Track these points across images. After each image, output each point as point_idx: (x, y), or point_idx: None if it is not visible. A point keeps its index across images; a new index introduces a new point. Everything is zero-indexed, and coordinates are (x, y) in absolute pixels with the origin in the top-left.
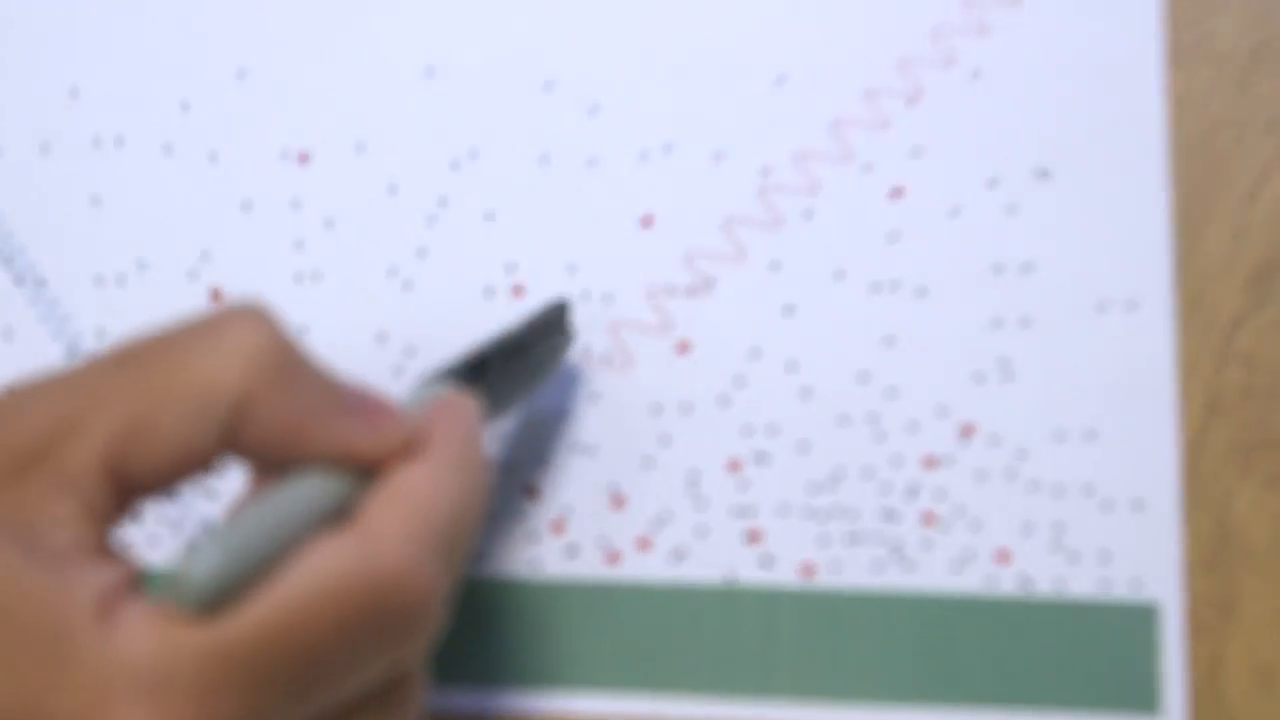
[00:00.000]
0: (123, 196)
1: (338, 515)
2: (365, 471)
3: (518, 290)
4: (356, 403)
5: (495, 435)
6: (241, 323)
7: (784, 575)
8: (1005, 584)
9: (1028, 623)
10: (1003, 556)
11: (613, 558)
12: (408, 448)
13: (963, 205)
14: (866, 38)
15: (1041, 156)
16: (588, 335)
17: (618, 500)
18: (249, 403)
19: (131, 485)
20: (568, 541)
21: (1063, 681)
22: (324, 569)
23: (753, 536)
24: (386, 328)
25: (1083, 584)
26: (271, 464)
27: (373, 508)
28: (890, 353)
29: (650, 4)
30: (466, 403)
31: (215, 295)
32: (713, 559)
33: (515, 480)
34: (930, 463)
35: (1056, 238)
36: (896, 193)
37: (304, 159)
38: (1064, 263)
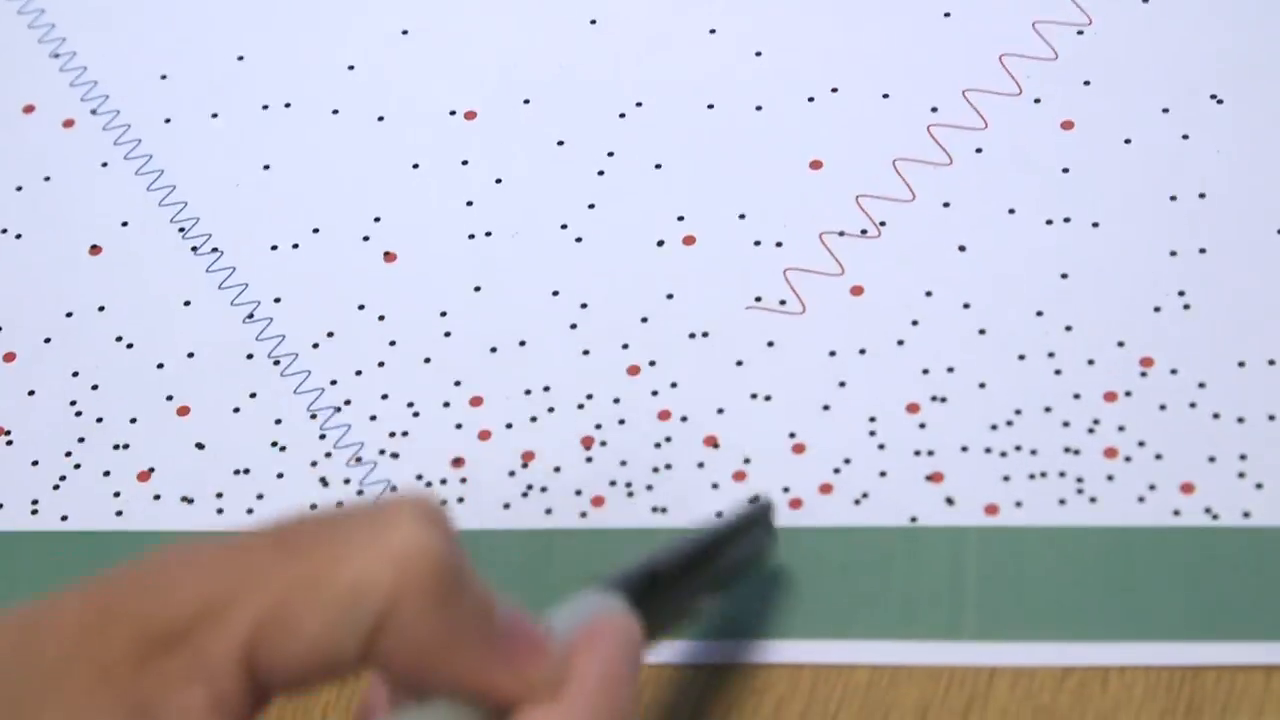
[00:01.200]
0: (293, 161)
1: None
2: (500, 713)
3: (689, 240)
4: (507, 635)
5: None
6: (406, 521)
7: (967, 515)
8: (1190, 515)
9: (1216, 553)
10: (1187, 488)
11: (794, 503)
12: (549, 690)
13: (1135, 135)
14: None
15: (1214, 82)
16: (761, 282)
17: (797, 446)
18: (395, 613)
19: (266, 677)
20: (750, 489)
21: (1253, 611)
22: None
23: (934, 477)
24: (560, 282)
25: (1269, 513)
26: (403, 680)
27: None
28: (1065, 287)
29: None
30: (623, 630)
31: (389, 258)
32: (895, 501)
33: (696, 431)
34: (1110, 396)
35: (1232, 164)
36: (1067, 124)
37: (470, 116)
38: (1240, 189)
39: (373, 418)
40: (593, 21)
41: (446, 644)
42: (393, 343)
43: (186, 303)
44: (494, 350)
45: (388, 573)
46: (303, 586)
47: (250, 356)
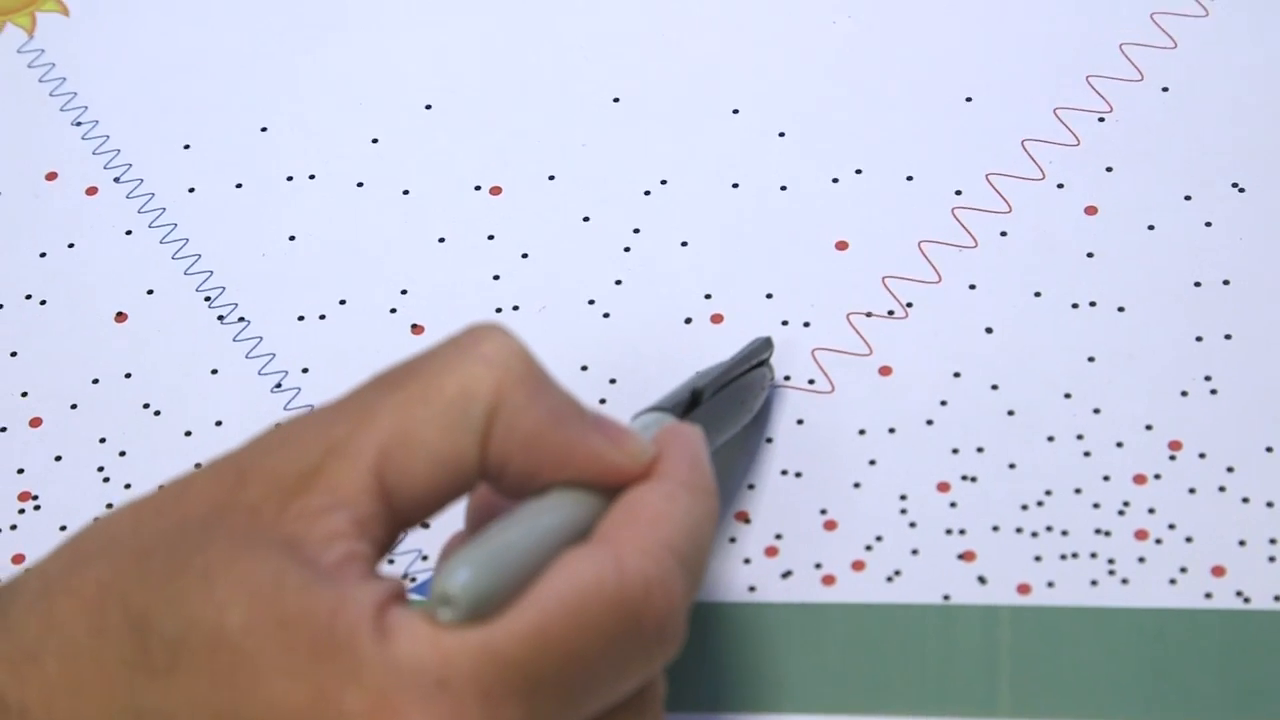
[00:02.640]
0: (318, 233)
1: (582, 537)
2: (609, 493)
3: (717, 318)
4: (600, 419)
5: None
6: (489, 336)
7: (1000, 594)
8: (1222, 598)
9: (1248, 636)
10: (1218, 571)
11: (828, 580)
12: (648, 469)
13: (1158, 221)
14: (1053, 56)
15: (1235, 170)
16: (790, 361)
17: (829, 523)
18: (502, 407)
19: (398, 502)
20: (782, 565)
21: None
22: (578, 578)
23: (966, 556)
24: (588, 357)
25: None
26: (519, 482)
27: (610, 524)
28: (1093, 370)
29: (834, 30)
30: (691, 430)
31: (416, 330)
32: (927, 579)
33: (727, 506)
34: (1139, 479)
35: (1255, 251)
36: (1090, 210)
37: (495, 191)
38: (1264, 276)
39: None
40: (615, 100)
41: (552, 427)
42: None
43: (214, 371)
44: None
45: (487, 373)
46: (415, 405)
47: None
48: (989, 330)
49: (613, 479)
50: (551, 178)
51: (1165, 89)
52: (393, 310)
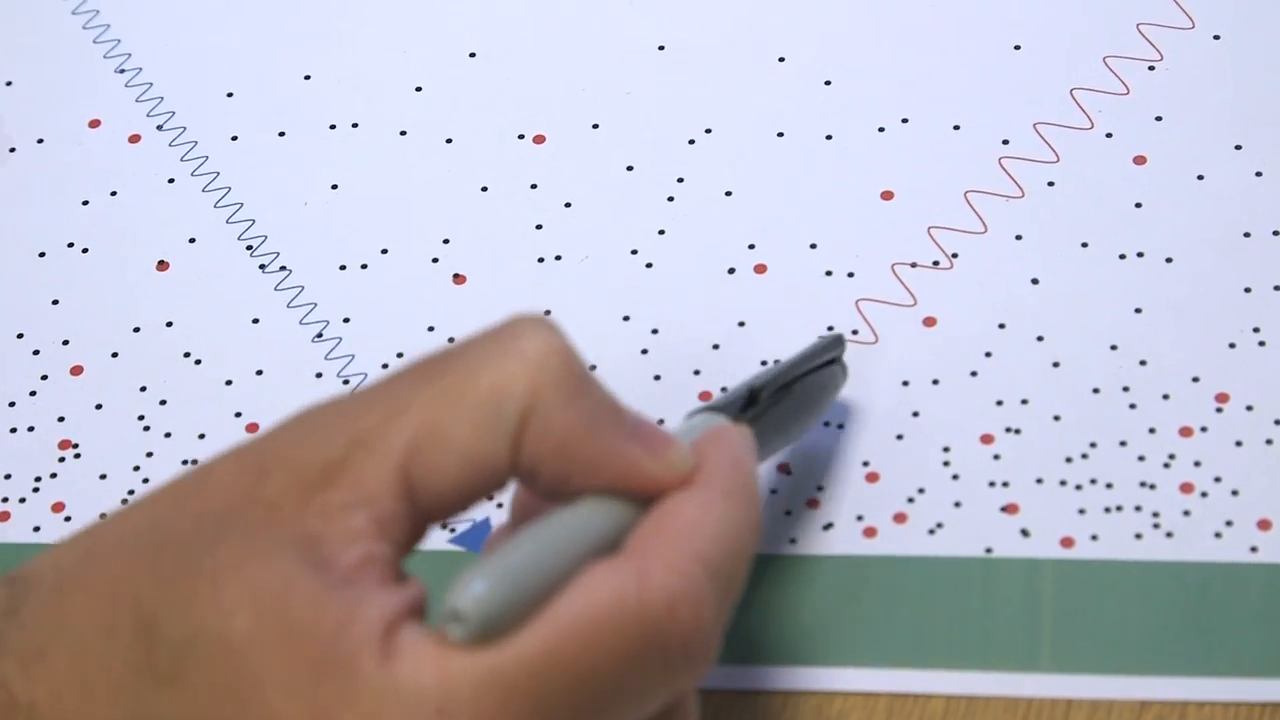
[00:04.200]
0: (361, 182)
1: (612, 548)
2: (644, 503)
3: (760, 269)
4: (639, 425)
5: None
6: (529, 330)
7: (1043, 547)
8: (1268, 552)
9: None
10: (1264, 525)
11: (869, 532)
12: (687, 479)
13: (1208, 171)
14: (1103, 3)
15: None
16: (833, 312)
17: (871, 475)
18: (537, 408)
19: (423, 500)
20: (823, 517)
21: None
22: (596, 595)
23: (1009, 508)
24: (630, 307)
25: None
26: (552, 486)
27: (639, 536)
28: (1139, 322)
29: None
30: (737, 432)
31: (458, 280)
32: (970, 532)
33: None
34: (1185, 431)
35: None
36: (1139, 159)
37: (539, 140)
38: None
39: None
40: (660, 48)
41: (587, 432)
42: None
43: (255, 320)
44: None
45: (524, 372)
46: (447, 400)
47: (319, 375)
48: (1035, 281)
49: (648, 489)
50: (595, 126)
51: (1216, 37)
52: (435, 260)
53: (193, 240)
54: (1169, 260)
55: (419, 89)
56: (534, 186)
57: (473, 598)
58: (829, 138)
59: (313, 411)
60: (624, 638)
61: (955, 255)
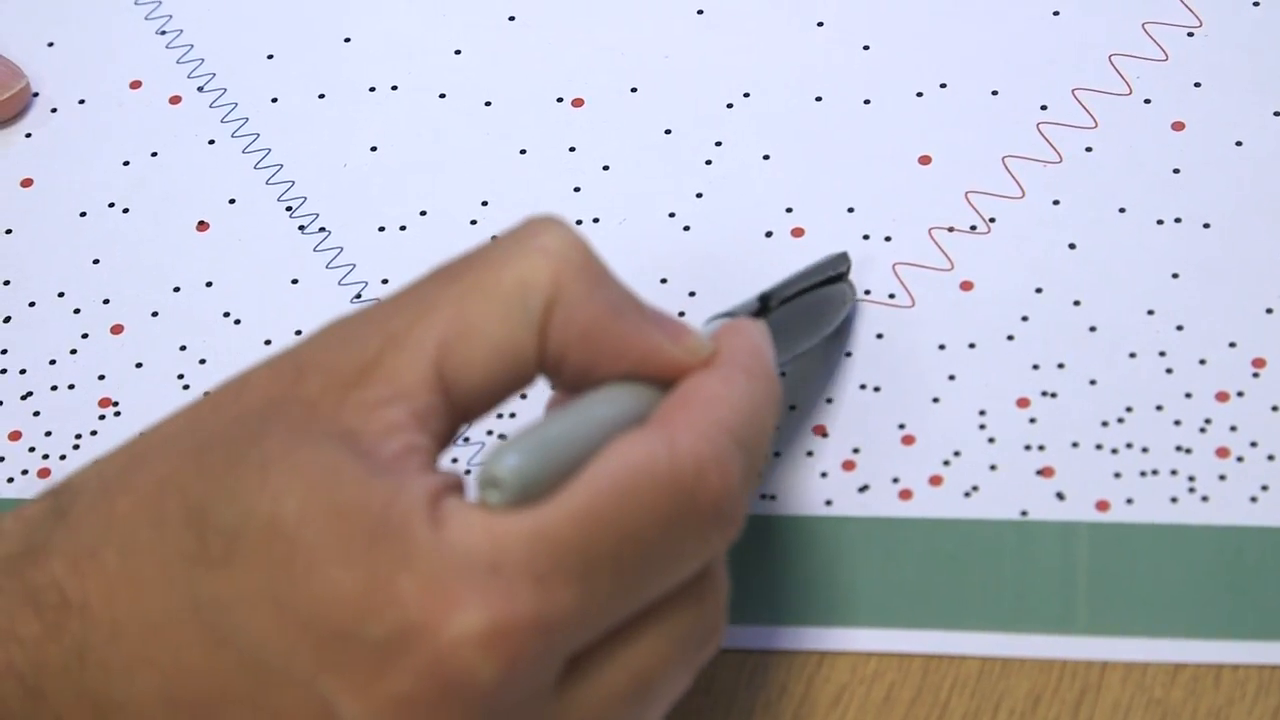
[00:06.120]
0: (400, 144)
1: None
2: (666, 388)
3: (797, 232)
4: (659, 314)
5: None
6: (548, 228)
7: (1078, 510)
8: None
9: None
10: None
11: (905, 494)
12: (707, 363)
13: (1246, 137)
14: None
15: None
16: (870, 276)
17: (907, 437)
18: (560, 298)
19: (457, 395)
20: (859, 479)
21: None
22: (629, 458)
23: (1045, 472)
24: (668, 270)
25: None
26: (578, 376)
27: (667, 408)
28: (1176, 287)
29: None
30: (753, 324)
31: None
32: (1005, 495)
33: (805, 420)
34: (1222, 396)
35: None
36: (1178, 125)
37: (578, 103)
38: None
39: None
40: (699, 11)
41: (610, 319)
42: None
43: (294, 280)
44: None
45: (546, 265)
46: (474, 296)
47: None
48: (1072, 246)
49: (670, 373)
50: (634, 90)
51: (1256, 3)
52: (473, 222)
53: (233, 201)
54: (1206, 226)
55: (458, 52)
56: (572, 149)
57: (508, 465)
58: (867, 102)
59: (343, 319)
60: (657, 497)
61: (993, 220)
